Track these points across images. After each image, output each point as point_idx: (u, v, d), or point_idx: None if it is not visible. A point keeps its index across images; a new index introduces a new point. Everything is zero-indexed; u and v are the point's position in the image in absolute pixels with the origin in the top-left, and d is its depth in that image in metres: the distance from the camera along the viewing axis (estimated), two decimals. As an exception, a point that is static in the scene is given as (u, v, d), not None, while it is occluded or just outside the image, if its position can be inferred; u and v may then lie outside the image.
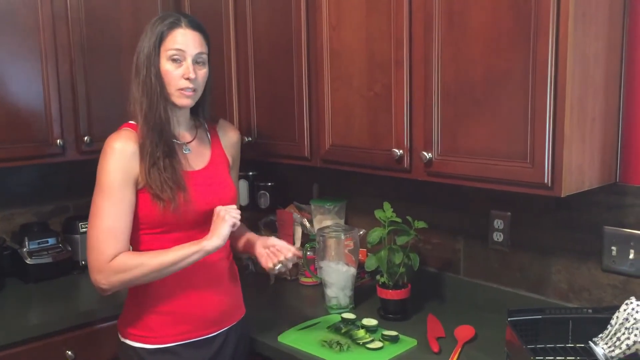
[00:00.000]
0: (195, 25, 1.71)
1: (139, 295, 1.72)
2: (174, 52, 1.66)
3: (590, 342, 1.57)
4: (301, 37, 2.08)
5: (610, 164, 1.69)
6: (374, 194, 2.38)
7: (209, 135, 1.85)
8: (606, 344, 1.53)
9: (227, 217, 1.64)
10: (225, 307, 1.80)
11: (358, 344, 1.81)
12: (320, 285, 2.33)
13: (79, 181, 2.76)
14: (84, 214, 2.69)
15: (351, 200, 2.49)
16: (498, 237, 2.02)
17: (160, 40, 1.66)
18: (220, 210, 1.66)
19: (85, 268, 2.59)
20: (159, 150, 1.65)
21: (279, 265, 1.77)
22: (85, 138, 2.41)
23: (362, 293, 2.21)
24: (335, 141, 2.03)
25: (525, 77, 1.52)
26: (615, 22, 1.63)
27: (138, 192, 1.66)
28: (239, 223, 1.69)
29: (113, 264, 1.61)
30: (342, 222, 2.46)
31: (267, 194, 2.69)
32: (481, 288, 2.08)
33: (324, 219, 2.43)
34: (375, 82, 1.87)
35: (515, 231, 1.99)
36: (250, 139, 2.33)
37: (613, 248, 1.75)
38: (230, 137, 1.91)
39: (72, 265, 2.56)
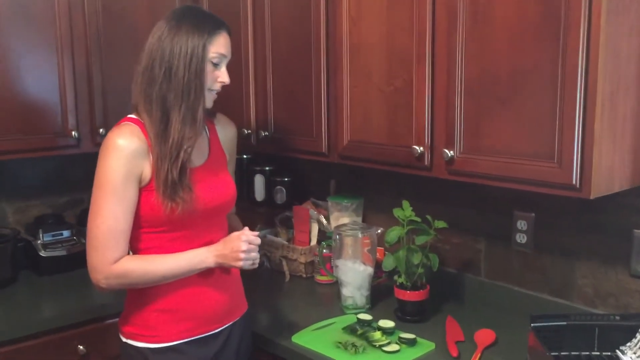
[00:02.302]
0: (230, 29, 1.68)
1: (139, 294, 1.69)
2: (217, 55, 1.62)
3: (617, 350, 1.51)
4: (320, 31, 2.03)
5: (641, 165, 1.61)
6: (393, 191, 2.32)
7: (207, 130, 1.80)
8: (634, 353, 1.47)
9: (245, 264, 1.60)
10: (228, 302, 1.75)
11: (374, 346, 1.76)
12: (336, 284, 2.28)
13: (94, 173, 2.73)
14: (99, 207, 2.70)
15: (369, 197, 2.43)
16: (521, 238, 1.95)
17: (206, 42, 1.60)
18: (243, 250, 1.59)
19: (99, 261, 2.58)
20: (189, 153, 1.62)
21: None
22: (101, 130, 2.37)
23: (379, 293, 2.15)
24: (354, 137, 1.98)
25: (553, 73, 1.45)
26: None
27: (141, 189, 1.61)
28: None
29: (115, 268, 1.58)
30: (359, 219, 2.41)
31: (284, 189, 2.64)
32: (502, 290, 2.02)
33: (341, 216, 2.38)
34: (396, 77, 1.81)
35: (539, 233, 1.92)
36: (267, 133, 2.29)
37: (643, 253, 1.68)
38: (228, 132, 1.86)
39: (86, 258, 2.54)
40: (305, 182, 2.68)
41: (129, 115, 1.67)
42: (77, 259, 2.48)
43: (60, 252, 2.44)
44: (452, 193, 2.12)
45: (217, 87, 1.66)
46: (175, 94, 1.59)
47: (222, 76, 1.65)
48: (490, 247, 2.06)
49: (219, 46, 1.62)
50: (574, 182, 1.45)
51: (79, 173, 2.71)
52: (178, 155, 1.59)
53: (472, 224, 2.09)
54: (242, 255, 1.58)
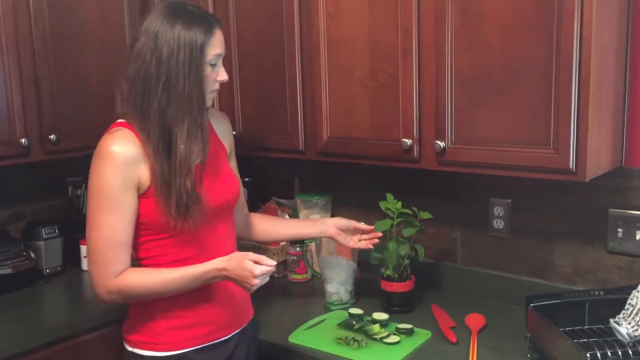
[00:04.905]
0: (221, 23, 1.60)
1: (144, 301, 1.61)
2: (214, 57, 1.55)
3: (612, 322, 1.60)
4: (294, 26, 2.00)
5: (618, 147, 1.72)
6: (361, 186, 2.34)
7: None
8: (629, 323, 1.57)
9: (253, 289, 1.52)
10: (236, 308, 1.71)
11: (374, 339, 1.77)
12: (311, 281, 2.29)
13: (38, 183, 2.56)
14: (44, 219, 2.51)
15: (336, 193, 2.43)
16: (498, 224, 2.03)
17: (203, 46, 1.51)
18: (255, 278, 1.48)
19: (50, 277, 2.39)
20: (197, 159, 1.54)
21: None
22: (52, 136, 2.21)
23: (356, 286, 2.15)
24: (334, 133, 1.97)
25: (548, 62, 1.52)
26: (622, 9, 1.66)
27: (140, 197, 1.53)
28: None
29: (117, 282, 1.52)
30: (328, 215, 2.40)
31: (245, 189, 2.58)
32: (481, 275, 2.08)
33: (311, 214, 2.37)
34: (380, 72, 1.83)
35: (516, 218, 2.00)
36: (234, 133, 2.22)
37: (619, 230, 1.79)
38: (223, 124, 1.82)
39: (36, 274, 2.36)
40: (266, 182, 2.64)
41: (119, 120, 1.58)
42: (27, 277, 2.31)
43: (8, 270, 2.25)
44: (424, 184, 2.16)
45: (217, 87, 1.60)
46: (176, 108, 1.50)
47: (221, 74, 1.59)
48: (466, 234, 2.13)
49: (216, 47, 1.55)
50: (570, 166, 1.53)
51: (20, 183, 2.52)
52: (189, 171, 1.52)
53: (447, 213, 2.15)
54: (253, 289, 1.51)
